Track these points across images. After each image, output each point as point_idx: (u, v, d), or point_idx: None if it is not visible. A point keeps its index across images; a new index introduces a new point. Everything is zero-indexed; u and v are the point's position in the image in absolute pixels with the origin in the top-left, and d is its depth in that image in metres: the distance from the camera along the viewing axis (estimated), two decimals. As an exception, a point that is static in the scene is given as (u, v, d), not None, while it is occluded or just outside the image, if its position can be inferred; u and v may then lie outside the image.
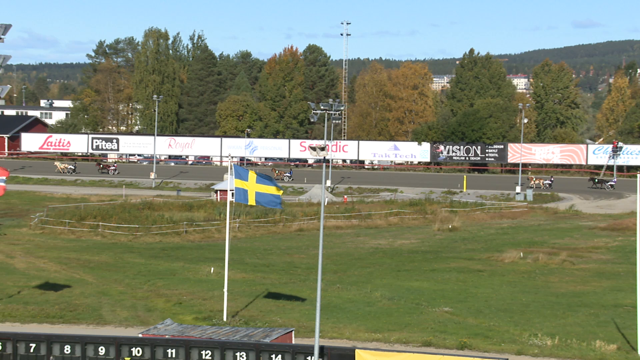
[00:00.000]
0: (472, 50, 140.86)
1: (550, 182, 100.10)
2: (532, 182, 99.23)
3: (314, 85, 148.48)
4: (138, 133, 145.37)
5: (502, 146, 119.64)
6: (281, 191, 36.79)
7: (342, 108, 42.41)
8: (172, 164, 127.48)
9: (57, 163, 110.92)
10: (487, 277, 50.19)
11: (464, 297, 44.42)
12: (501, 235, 66.96)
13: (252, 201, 36.94)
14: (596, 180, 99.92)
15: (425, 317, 39.76)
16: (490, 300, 43.58)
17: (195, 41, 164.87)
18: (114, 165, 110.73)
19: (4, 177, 43.25)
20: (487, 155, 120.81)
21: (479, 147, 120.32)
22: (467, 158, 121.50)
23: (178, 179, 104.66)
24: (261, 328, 33.46)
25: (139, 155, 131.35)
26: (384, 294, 44.39)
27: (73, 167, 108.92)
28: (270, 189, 36.61)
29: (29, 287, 44.95)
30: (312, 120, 40.91)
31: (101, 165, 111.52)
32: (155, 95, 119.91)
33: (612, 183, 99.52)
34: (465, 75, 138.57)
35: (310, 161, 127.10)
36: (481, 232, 68.88)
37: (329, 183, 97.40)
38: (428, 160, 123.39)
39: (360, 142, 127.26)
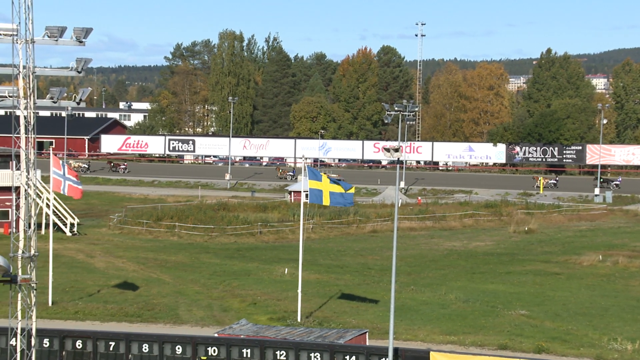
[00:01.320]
0: (549, 50, 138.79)
1: (555, 182, 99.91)
2: (538, 182, 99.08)
3: (388, 87, 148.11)
4: (213, 134, 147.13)
5: (580, 147, 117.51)
6: (353, 188, 37.00)
7: (416, 109, 42.21)
8: (247, 165, 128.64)
9: (71, 161, 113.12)
10: (564, 280, 49.33)
11: (540, 300, 43.74)
12: (579, 238, 65.74)
13: (326, 201, 37.09)
14: (601, 180, 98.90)
15: (501, 320, 39.27)
16: (568, 304, 42.83)
17: (270, 43, 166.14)
18: (124, 164, 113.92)
19: (79, 182, 44.29)
20: (564, 156, 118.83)
21: (556, 149, 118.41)
22: (543, 159, 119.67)
23: (252, 180, 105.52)
24: (335, 329, 33.49)
25: (214, 156, 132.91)
26: (458, 297, 44.00)
27: (87, 166, 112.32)
28: (342, 190, 36.79)
29: (108, 286, 45.87)
30: (385, 121, 40.80)
31: (112, 164, 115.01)
32: (230, 97, 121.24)
33: (617, 182, 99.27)
34: (542, 75, 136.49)
35: (384, 162, 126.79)
36: (558, 234, 67.74)
37: (402, 184, 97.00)
38: (503, 161, 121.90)
39: (435, 143, 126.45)
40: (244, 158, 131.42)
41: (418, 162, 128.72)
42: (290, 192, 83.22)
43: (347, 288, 46.28)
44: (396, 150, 30.53)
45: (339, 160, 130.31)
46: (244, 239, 63.57)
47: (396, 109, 38.58)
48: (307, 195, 38.53)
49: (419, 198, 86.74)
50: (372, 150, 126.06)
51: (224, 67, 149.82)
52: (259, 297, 43.58)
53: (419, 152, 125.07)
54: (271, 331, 32.11)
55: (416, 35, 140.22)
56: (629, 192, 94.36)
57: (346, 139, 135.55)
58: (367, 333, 32.37)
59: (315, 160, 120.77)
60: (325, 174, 37.67)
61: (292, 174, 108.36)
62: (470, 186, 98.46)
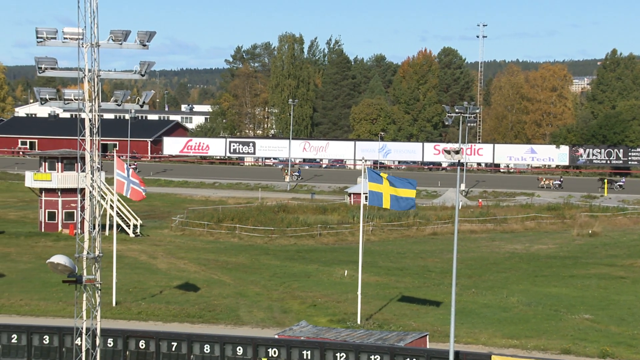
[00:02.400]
0: (614, 51, 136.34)
1: (559, 183, 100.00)
2: (543, 182, 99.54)
3: (449, 88, 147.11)
4: (274, 137, 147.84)
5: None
6: (414, 191, 36.71)
7: (477, 111, 41.91)
8: (307, 167, 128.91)
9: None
10: (630, 284, 48.39)
11: (605, 304, 42.98)
12: (645, 242, 64.45)
13: (386, 204, 36.94)
14: (606, 181, 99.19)
15: (564, 324, 38.70)
16: (633, 308, 42.00)
17: (331, 45, 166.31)
18: (134, 164, 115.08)
19: (143, 186, 44.80)
20: (630, 158, 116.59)
21: (621, 151, 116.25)
22: (608, 161, 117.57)
23: (312, 182, 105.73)
24: (395, 332, 33.35)
25: (274, 158, 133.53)
26: (520, 300, 43.47)
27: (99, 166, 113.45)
28: (404, 192, 36.52)
29: (170, 287, 46.39)
30: (446, 123, 40.59)
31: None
32: (290, 100, 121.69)
33: (621, 183, 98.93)
34: (607, 76, 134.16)
35: (444, 164, 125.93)
36: (623, 237, 66.46)
37: (463, 187, 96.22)
38: (567, 163, 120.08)
39: (496, 145, 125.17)
40: (304, 160, 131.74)
41: (479, 164, 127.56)
42: (350, 194, 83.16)
43: (407, 290, 46.09)
44: (457, 152, 30.28)
45: (399, 162, 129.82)
46: (303, 240, 63.72)
47: (457, 110, 38.38)
48: (366, 198, 38.41)
49: (480, 200, 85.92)
50: (432, 152, 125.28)
51: (284, 69, 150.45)
52: (319, 299, 43.63)
53: (479, 154, 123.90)
54: (331, 333, 32.10)
55: (477, 37, 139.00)
56: (493, 188, 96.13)
57: (406, 141, 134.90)
58: (427, 336, 32.18)
59: (375, 162, 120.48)
60: (385, 174, 37.46)
61: (297, 174, 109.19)
62: (532, 189, 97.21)
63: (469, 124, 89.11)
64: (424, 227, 68.71)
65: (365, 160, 45.11)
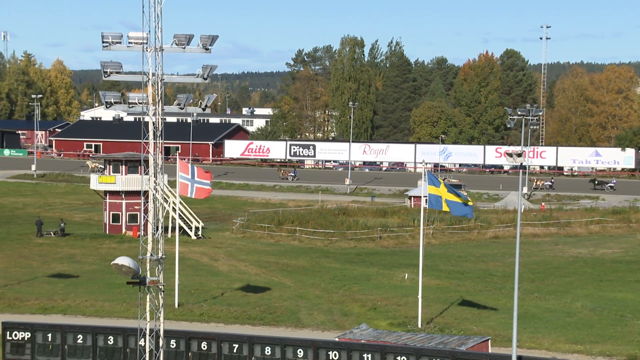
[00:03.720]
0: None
1: (550, 184, 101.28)
2: (535, 184, 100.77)
3: (511, 91, 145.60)
4: (334, 139, 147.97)
5: None
6: (470, 201, 36.55)
7: (540, 113, 41.40)
8: (367, 170, 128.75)
9: (88, 162, 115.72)
10: (698, 290, 47.26)
11: (672, 311, 42.05)
12: None
13: (446, 207, 36.82)
14: (596, 182, 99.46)
15: (630, 330, 37.95)
16: (701, 315, 41.00)
17: (392, 48, 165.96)
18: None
19: (209, 181, 45.29)
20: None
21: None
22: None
23: (372, 185, 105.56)
24: (456, 336, 33.10)
25: (334, 161, 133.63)
26: (585, 305, 42.77)
27: (103, 167, 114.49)
28: (459, 199, 36.44)
29: (231, 289, 46.72)
30: (508, 126, 40.15)
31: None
32: (350, 102, 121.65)
33: (612, 184, 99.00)
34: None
35: (506, 167, 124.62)
36: (691, 242, 64.96)
37: (525, 190, 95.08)
38: (633, 166, 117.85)
39: (559, 148, 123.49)
40: (364, 163, 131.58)
41: (542, 167, 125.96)
42: (410, 197, 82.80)
43: (469, 294, 45.70)
44: (519, 155, 29.94)
45: (460, 165, 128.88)
46: (363, 243, 63.62)
47: (519, 113, 37.94)
48: (427, 201, 38.24)
49: (543, 204, 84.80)
50: (493, 155, 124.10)
51: (345, 72, 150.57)
52: (379, 302, 43.51)
53: (542, 157, 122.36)
54: (392, 336, 31.97)
55: (541, 38, 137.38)
56: (557, 192, 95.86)
57: (467, 144, 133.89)
58: (489, 340, 31.84)
59: (436, 165, 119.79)
60: (443, 180, 37.32)
61: (293, 174, 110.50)
62: (596, 192, 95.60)
63: (531, 127, 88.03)
64: (485, 230, 68.06)
65: (426, 163, 44.85)
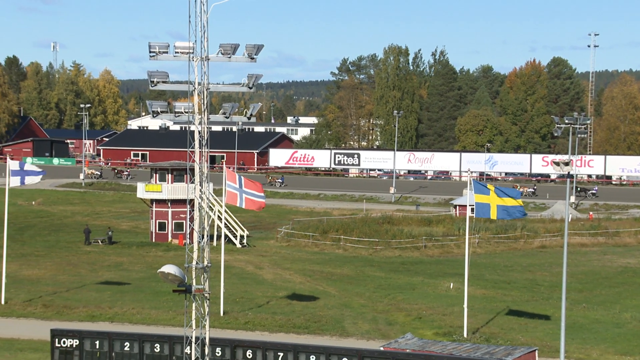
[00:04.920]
0: None
1: (533, 190, 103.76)
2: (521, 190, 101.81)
3: (558, 99, 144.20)
4: (378, 148, 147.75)
5: None
6: (521, 201, 36.19)
7: (588, 122, 40.90)
8: (411, 178, 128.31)
9: (85, 168, 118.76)
10: None
11: None
12: None
13: (494, 215, 36.46)
14: (579, 189, 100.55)
15: (680, 343, 37.27)
16: None
17: (437, 57, 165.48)
18: (127, 171, 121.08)
19: (262, 193, 45.32)
20: None
21: None
22: None
23: (417, 193, 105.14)
24: (503, 346, 32.74)
25: (379, 170, 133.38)
26: (634, 315, 42.11)
27: (99, 173, 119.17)
28: (512, 201, 36.03)
29: (276, 297, 46.81)
30: (555, 134, 39.71)
31: (116, 171, 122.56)
32: (395, 111, 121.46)
33: (594, 191, 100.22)
34: None
35: (553, 176, 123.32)
36: None
37: (573, 199, 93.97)
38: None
39: (607, 156, 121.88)
40: (409, 172, 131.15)
41: (589, 176, 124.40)
42: (455, 206, 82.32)
43: (515, 304, 45.27)
44: (566, 163, 29.62)
45: (506, 174, 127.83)
46: (408, 252, 63.36)
47: (566, 121, 37.51)
48: (472, 209, 37.95)
49: (591, 213, 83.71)
50: (540, 163, 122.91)
51: (389, 81, 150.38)
52: (424, 312, 43.28)
53: (590, 165, 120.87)
54: (437, 346, 31.74)
55: (589, 46, 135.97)
56: (605, 201, 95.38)
57: (513, 152, 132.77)
58: (536, 351, 31.45)
59: (481, 174, 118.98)
60: (492, 185, 36.98)
61: (281, 180, 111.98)
62: (579, 199, 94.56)
63: (579, 135, 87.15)
64: (532, 240, 67.38)
65: (471, 172, 44.52)
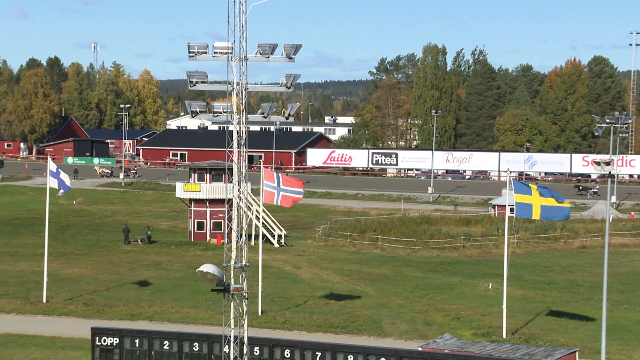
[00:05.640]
0: None
1: (596, 190, 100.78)
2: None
3: (599, 98, 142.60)
4: (416, 148, 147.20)
5: None
6: (567, 203, 35.76)
7: (629, 121, 40.42)
8: (450, 178, 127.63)
9: (96, 167, 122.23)
10: None
11: None
12: None
13: (536, 215, 36.10)
14: (580, 188, 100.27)
15: None
16: None
17: (476, 56, 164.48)
18: (134, 169, 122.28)
19: (301, 189, 45.45)
20: None
21: None
22: None
23: (455, 193, 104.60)
24: (543, 347, 32.48)
25: (416, 169, 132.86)
26: (676, 318, 41.53)
27: (110, 171, 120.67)
28: (556, 202, 35.65)
29: (314, 297, 46.85)
30: (596, 133, 39.33)
31: (121, 168, 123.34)
32: (433, 111, 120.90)
33: (595, 190, 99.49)
34: None
35: (594, 176, 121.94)
36: None
37: (614, 199, 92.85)
38: None
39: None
40: (447, 171, 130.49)
41: (631, 176, 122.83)
42: (494, 206, 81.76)
43: (555, 305, 44.88)
44: (607, 163, 29.28)
45: (545, 173, 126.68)
46: (446, 252, 63.08)
47: (607, 121, 37.12)
48: (512, 209, 37.65)
49: (632, 213, 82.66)
50: (580, 163, 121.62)
51: (427, 80, 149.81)
52: (463, 312, 43.07)
53: (632, 165, 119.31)
54: (476, 347, 31.57)
55: (630, 45, 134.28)
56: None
57: (553, 152, 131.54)
58: (576, 352, 31.16)
59: (520, 173, 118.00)
60: (535, 185, 36.64)
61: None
62: (580, 197, 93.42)
63: (620, 135, 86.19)
64: (572, 240, 66.72)
65: (510, 172, 44.19)
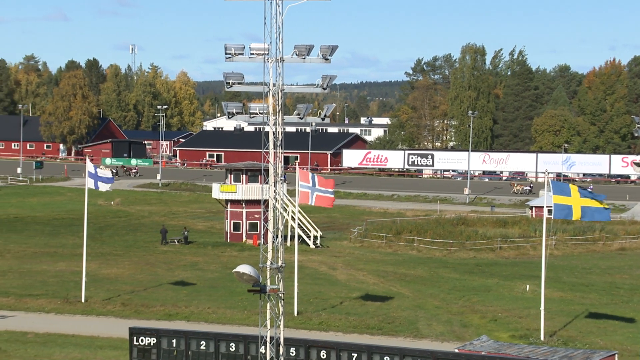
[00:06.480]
0: None
1: (529, 188, 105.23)
2: (515, 188, 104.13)
3: (639, 99, 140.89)
4: (452, 149, 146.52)
5: None
6: (607, 205, 35.38)
7: (670, 121, 39.84)
8: (486, 179, 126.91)
9: (102, 166, 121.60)
10: None
11: None
12: None
13: (576, 216, 35.74)
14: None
15: None
16: None
17: (514, 56, 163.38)
18: (135, 168, 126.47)
19: (331, 189, 45.48)
20: None
21: None
22: None
23: (492, 194, 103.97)
24: (581, 349, 32.13)
25: (452, 170, 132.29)
26: None
27: (115, 171, 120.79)
28: (596, 203, 35.28)
29: (350, 298, 46.78)
30: (635, 134, 38.83)
31: (125, 168, 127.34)
32: (470, 111, 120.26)
33: (589, 190, 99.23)
34: None
35: (633, 177, 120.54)
36: None
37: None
38: None
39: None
40: (483, 172, 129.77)
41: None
42: (531, 207, 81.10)
43: (594, 307, 44.40)
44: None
45: (584, 174, 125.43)
46: (483, 254, 62.70)
47: (647, 120, 36.62)
48: (550, 211, 37.31)
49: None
50: (620, 164, 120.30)
51: (464, 80, 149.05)
52: (500, 314, 42.76)
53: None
54: (513, 349, 31.32)
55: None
56: (528, 197, 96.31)
57: (591, 153, 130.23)
58: (616, 355, 30.79)
59: (558, 174, 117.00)
60: (575, 185, 36.27)
61: (283, 178, 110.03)
62: None
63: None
64: (611, 242, 65.97)
65: (548, 173, 43.81)
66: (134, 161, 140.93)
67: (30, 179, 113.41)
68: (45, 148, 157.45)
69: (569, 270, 56.34)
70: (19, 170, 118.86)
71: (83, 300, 44.47)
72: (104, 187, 45.49)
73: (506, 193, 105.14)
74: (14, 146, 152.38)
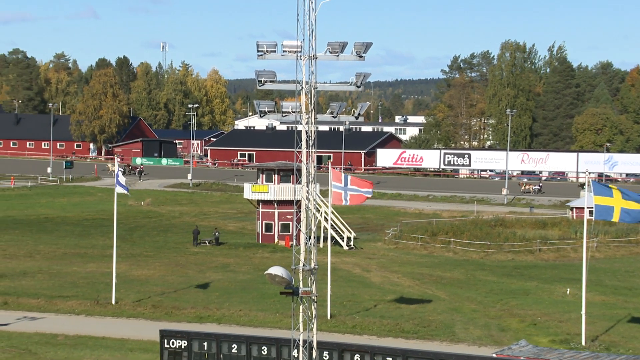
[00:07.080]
0: None
1: (539, 187, 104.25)
2: (523, 188, 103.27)
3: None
4: (490, 148, 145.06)
5: None
6: None
7: None
8: (525, 179, 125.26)
9: (109, 165, 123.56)
10: None
11: None
12: None
13: (616, 217, 34.77)
14: (579, 184, 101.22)
15: None
16: None
17: (554, 53, 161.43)
18: (141, 167, 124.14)
19: (370, 189, 44.86)
20: None
21: None
22: None
23: (531, 195, 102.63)
24: (624, 355, 31.34)
25: (490, 170, 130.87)
26: None
27: (123, 170, 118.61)
28: (636, 205, 34.22)
29: (384, 301, 45.99)
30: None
31: (130, 167, 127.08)
32: (508, 110, 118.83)
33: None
34: None
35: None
36: None
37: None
38: None
39: None
40: (522, 172, 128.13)
41: None
42: (572, 208, 79.74)
43: (637, 311, 43.42)
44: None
45: (627, 175, 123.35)
46: (521, 256, 61.65)
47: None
48: (591, 212, 36.27)
49: None
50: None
51: (503, 78, 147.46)
52: (539, 318, 41.87)
53: None
54: (553, 354, 30.43)
55: None
56: (538, 196, 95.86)
57: (635, 152, 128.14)
58: (661, 363, 29.69)
59: (600, 175, 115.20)
60: (616, 187, 35.23)
61: (538, 187, 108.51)
62: None
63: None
64: (654, 244, 64.58)
65: (589, 173, 42.76)
66: (138, 160, 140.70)
67: (60, 178, 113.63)
68: (75, 147, 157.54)
69: (611, 273, 55.25)
70: (49, 170, 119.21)
71: (113, 302, 44.12)
72: (121, 190, 45.38)
73: (546, 194, 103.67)
74: (44, 145, 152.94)
